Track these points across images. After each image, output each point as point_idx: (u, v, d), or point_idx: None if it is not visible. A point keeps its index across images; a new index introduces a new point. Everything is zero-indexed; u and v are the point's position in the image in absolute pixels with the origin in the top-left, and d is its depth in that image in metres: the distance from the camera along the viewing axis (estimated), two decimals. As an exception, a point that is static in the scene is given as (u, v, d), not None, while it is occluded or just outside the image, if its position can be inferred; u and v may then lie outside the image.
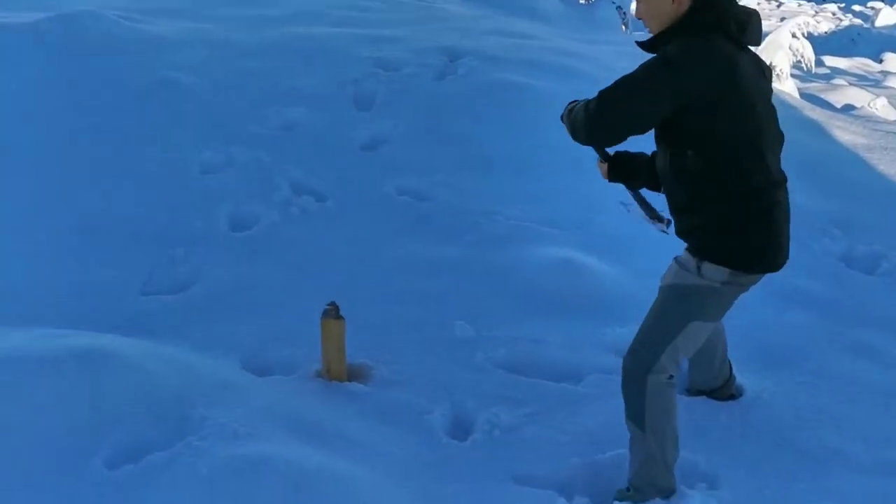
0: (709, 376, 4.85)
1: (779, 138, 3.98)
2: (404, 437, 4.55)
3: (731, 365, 4.91)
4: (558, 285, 5.92)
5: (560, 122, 4.17)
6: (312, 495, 3.85)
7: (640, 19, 4.00)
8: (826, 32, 48.22)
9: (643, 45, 3.97)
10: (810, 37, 29.15)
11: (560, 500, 4.10)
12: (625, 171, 4.34)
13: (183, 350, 5.13)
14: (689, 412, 4.53)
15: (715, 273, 3.89)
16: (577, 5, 16.93)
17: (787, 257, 4.03)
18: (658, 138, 3.98)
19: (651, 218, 4.45)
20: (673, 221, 4.10)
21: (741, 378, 5.05)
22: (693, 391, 4.92)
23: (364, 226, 6.78)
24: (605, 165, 4.36)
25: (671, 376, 4.04)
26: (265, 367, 5.15)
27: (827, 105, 13.39)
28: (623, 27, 16.39)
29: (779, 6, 51.08)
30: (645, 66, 3.78)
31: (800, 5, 54.77)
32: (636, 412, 4.06)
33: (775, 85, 14.11)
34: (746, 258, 3.90)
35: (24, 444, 4.00)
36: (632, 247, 6.26)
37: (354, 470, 4.10)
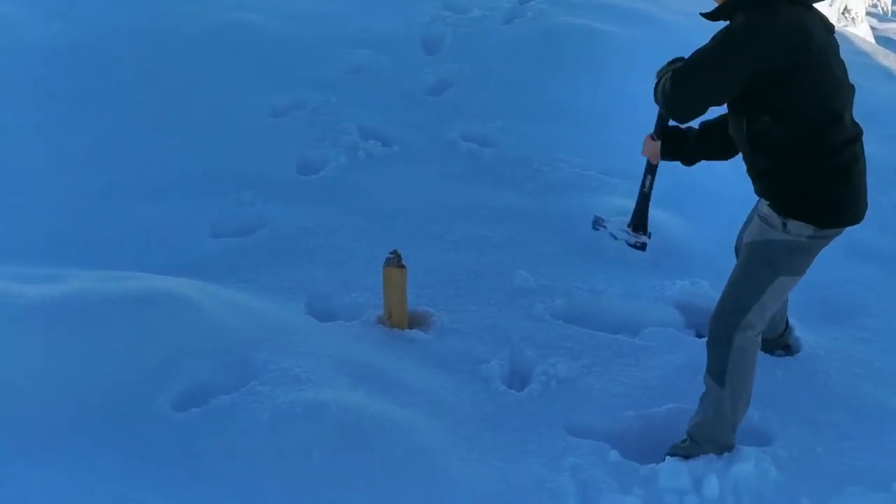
0: (769, 324, 4.87)
1: (851, 92, 3.96)
2: (462, 385, 4.63)
3: (787, 317, 4.93)
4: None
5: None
6: (369, 441, 3.98)
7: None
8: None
9: (707, 16, 3.97)
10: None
11: (613, 453, 4.16)
12: (680, 147, 4.42)
13: (249, 294, 5.25)
14: (745, 367, 4.55)
15: (801, 228, 3.89)
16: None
17: (867, 207, 4.05)
18: (732, 106, 3.98)
19: (635, 230, 4.55)
20: (755, 184, 4.09)
21: (800, 332, 5.07)
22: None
23: (428, 172, 6.84)
24: (657, 144, 4.42)
25: (758, 333, 4.10)
26: (329, 311, 5.25)
27: (903, 48, 13.10)
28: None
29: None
30: (715, 41, 3.79)
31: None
32: (718, 368, 4.09)
33: (849, 28, 13.85)
34: (831, 214, 3.92)
35: (92, 386, 4.16)
36: (695, 198, 6.25)
37: (411, 417, 4.21)
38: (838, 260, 5.62)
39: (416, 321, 5.12)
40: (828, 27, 3.93)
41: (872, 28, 16.24)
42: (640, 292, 5.45)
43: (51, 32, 8.38)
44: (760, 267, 4.02)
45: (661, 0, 10.31)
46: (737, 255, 4.49)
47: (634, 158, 6.82)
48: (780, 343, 4.93)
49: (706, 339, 4.19)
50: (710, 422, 4.13)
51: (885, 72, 9.91)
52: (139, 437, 3.98)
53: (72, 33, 8.44)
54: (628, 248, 4.94)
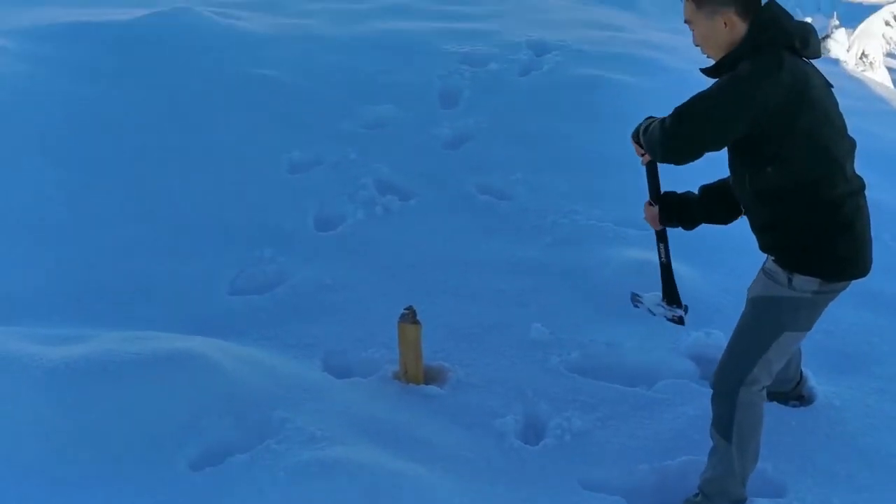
0: (783, 377, 4.86)
1: (852, 145, 4.00)
2: (477, 440, 4.66)
3: (801, 368, 4.95)
4: (636, 288, 5.95)
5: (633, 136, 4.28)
6: (385, 499, 4.01)
7: (697, 46, 4.04)
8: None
9: (708, 72, 3.99)
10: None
11: (627, 507, 4.19)
12: (678, 212, 4.46)
13: (267, 351, 5.31)
14: (758, 418, 4.56)
15: (806, 284, 3.91)
16: (668, -9, 16.81)
17: (870, 263, 4.04)
18: (734, 159, 4.01)
19: (669, 304, 4.58)
20: (759, 239, 4.12)
21: (814, 382, 5.07)
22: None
23: (445, 225, 6.91)
24: (655, 209, 4.47)
25: (763, 388, 4.11)
26: (345, 368, 5.31)
27: (925, 91, 13.09)
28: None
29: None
30: (720, 84, 3.83)
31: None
32: (724, 423, 4.12)
33: (867, 73, 13.88)
34: (837, 267, 3.93)
35: (112, 446, 4.23)
36: (710, 249, 6.27)
37: (427, 474, 4.23)
38: (851, 309, 5.62)
39: (431, 376, 5.17)
40: (827, 83, 3.99)
41: (891, 70, 16.27)
42: (655, 344, 5.47)
43: (72, 91, 8.51)
44: (765, 323, 4.04)
45: (676, 48, 10.41)
46: None
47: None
48: (794, 394, 4.94)
49: (711, 393, 4.21)
50: (719, 476, 4.15)
51: (902, 117, 9.94)
52: (156, 498, 4.03)
53: (96, 92, 8.58)
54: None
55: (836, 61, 14.20)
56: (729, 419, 4.08)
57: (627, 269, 6.10)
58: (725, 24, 3.85)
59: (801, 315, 4.02)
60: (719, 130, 3.82)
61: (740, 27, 3.84)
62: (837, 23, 16.27)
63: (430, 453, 4.46)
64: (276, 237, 6.73)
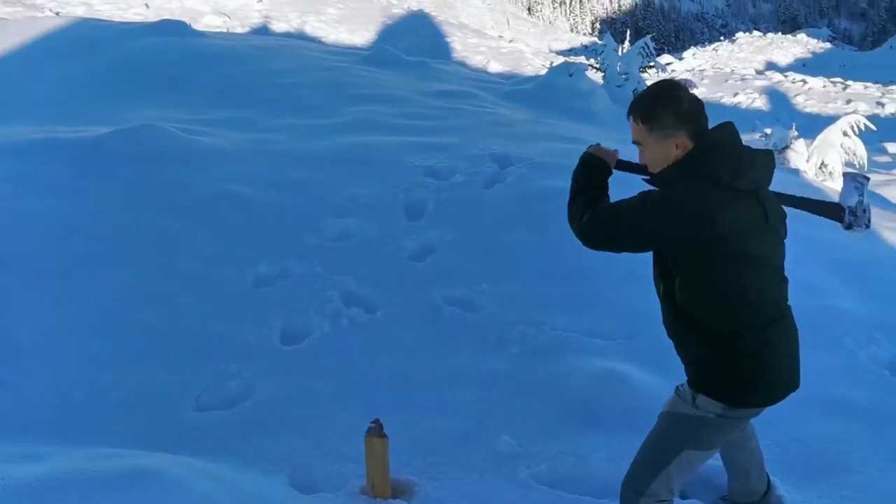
0: (746, 490, 4.86)
1: (779, 278, 4.05)
2: (445, 556, 4.61)
3: (769, 477, 4.92)
4: (603, 398, 5.96)
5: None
6: None
7: (643, 166, 4.11)
8: (893, 114, 46.89)
9: (650, 180, 4.08)
10: (875, 119, 28.87)
11: None
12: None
13: (232, 467, 5.24)
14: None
15: (709, 405, 3.97)
16: (628, 103, 17.12)
17: (787, 391, 4.05)
18: (654, 265, 4.09)
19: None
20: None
21: (783, 491, 5.05)
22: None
23: (411, 337, 6.90)
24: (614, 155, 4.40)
25: (663, 501, 4.11)
26: (311, 483, 5.24)
27: (882, 201, 13.29)
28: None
29: (844, 89, 50.74)
30: (632, 199, 3.91)
31: (866, 87, 54.00)
32: None
33: (827, 183, 14.11)
34: (736, 394, 3.96)
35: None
36: (677, 359, 6.29)
37: (395, 592, 4.18)
38: (817, 416, 5.64)
39: (399, 490, 5.11)
40: (767, 215, 3.96)
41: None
42: (623, 455, 5.37)
43: (42, 207, 8.53)
44: (668, 439, 4.10)
45: (632, 158, 10.55)
46: None
47: (614, 318, 6.96)
48: (763, 505, 4.93)
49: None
50: None
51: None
52: None
53: (63, 207, 8.59)
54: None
55: (795, 171, 14.46)
56: None
57: (595, 380, 6.11)
58: (677, 146, 3.93)
59: (703, 435, 4.04)
60: (620, 243, 3.96)
61: (689, 147, 3.91)
62: (796, 133, 16.62)
63: (399, 570, 4.40)
64: (242, 351, 6.69)
